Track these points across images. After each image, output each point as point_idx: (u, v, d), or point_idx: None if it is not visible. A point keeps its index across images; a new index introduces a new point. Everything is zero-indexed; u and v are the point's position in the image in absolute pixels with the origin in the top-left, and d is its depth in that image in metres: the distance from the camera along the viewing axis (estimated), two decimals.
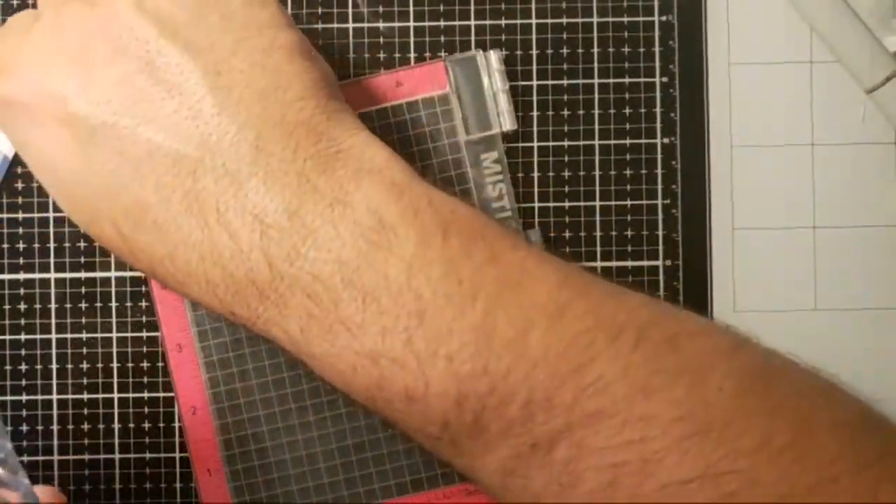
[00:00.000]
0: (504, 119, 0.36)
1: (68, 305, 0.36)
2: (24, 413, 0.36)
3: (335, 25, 0.37)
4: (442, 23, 0.37)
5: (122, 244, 0.29)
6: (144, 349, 0.36)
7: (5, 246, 0.36)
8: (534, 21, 0.37)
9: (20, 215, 0.36)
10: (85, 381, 0.36)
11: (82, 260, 0.36)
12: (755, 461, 0.24)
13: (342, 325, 0.27)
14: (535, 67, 0.37)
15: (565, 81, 0.37)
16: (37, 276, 0.36)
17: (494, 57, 0.36)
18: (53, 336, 0.36)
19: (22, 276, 0.36)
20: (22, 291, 0.36)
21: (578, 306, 0.27)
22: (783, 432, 0.25)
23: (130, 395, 0.36)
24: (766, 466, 0.24)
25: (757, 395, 0.26)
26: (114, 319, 0.36)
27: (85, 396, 0.36)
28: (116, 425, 0.36)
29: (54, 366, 0.36)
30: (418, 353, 0.26)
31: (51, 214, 0.36)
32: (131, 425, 0.36)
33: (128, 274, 0.36)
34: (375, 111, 0.36)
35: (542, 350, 0.26)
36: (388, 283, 0.27)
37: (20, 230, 0.36)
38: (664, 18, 0.37)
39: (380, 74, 0.36)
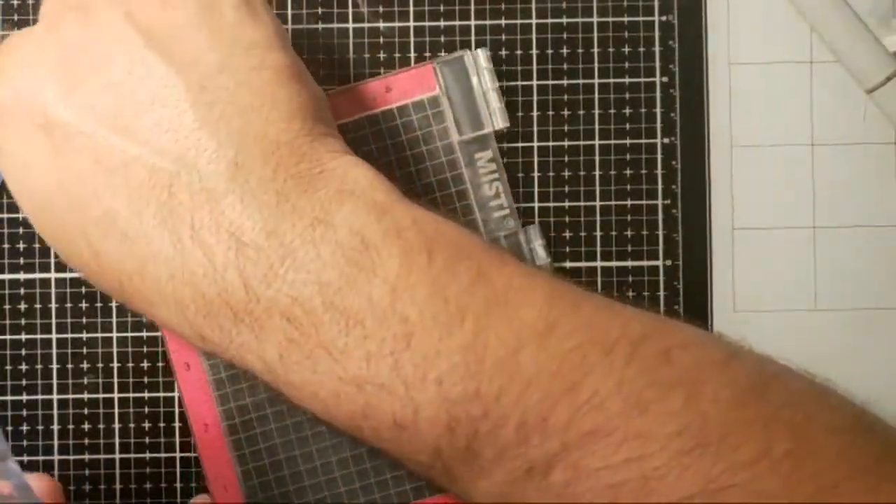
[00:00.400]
0: (496, 117, 0.36)
1: (69, 305, 0.36)
2: (24, 413, 0.36)
3: (335, 25, 0.37)
4: (442, 23, 0.37)
5: (90, 259, 0.28)
6: (144, 349, 0.36)
7: (6, 246, 0.36)
8: (534, 21, 0.37)
9: (20, 215, 0.36)
10: (85, 380, 0.36)
11: None
12: (756, 472, 0.24)
13: (324, 349, 0.26)
14: (535, 67, 0.37)
15: (565, 81, 0.37)
16: (37, 275, 0.36)
17: (482, 55, 0.36)
18: (54, 336, 0.36)
19: (22, 275, 0.36)
20: (22, 291, 0.36)
21: (568, 322, 0.26)
22: (782, 441, 0.25)
23: (131, 394, 0.36)
24: (767, 477, 0.24)
25: (753, 404, 0.25)
26: (114, 319, 0.36)
27: (85, 396, 0.36)
28: (117, 425, 0.36)
29: (54, 365, 0.36)
30: (406, 377, 0.25)
31: None
32: (132, 425, 0.36)
33: None
34: (366, 118, 0.35)
35: (534, 369, 0.25)
36: (371, 305, 0.26)
37: (20, 230, 0.36)
38: (664, 18, 0.37)
39: (369, 81, 0.36)
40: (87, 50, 0.28)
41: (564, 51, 0.37)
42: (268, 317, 0.26)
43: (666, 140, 0.37)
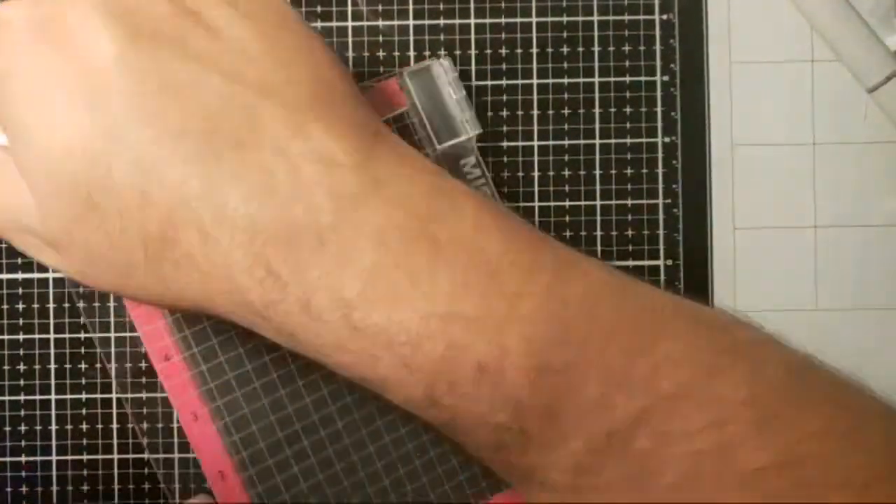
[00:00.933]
0: (468, 126, 0.35)
1: (66, 305, 0.36)
2: (22, 413, 0.36)
3: (334, 24, 0.36)
4: (442, 21, 0.36)
5: (131, 195, 0.25)
6: (142, 349, 0.36)
7: (3, 245, 0.36)
8: (534, 19, 0.37)
9: None
10: (83, 380, 0.36)
11: None
12: (826, 445, 0.23)
13: (410, 281, 0.24)
14: (535, 66, 0.37)
15: (566, 80, 0.37)
16: (35, 275, 0.36)
17: (446, 64, 0.35)
18: (52, 336, 0.36)
19: (20, 275, 0.36)
20: (20, 291, 0.36)
21: (636, 288, 0.25)
22: (843, 419, 0.24)
23: (129, 395, 0.36)
24: (835, 451, 0.23)
25: (811, 382, 0.25)
26: (112, 319, 0.36)
27: (83, 396, 0.36)
28: (115, 425, 0.36)
29: (52, 366, 0.36)
30: (495, 312, 0.24)
31: None
32: (130, 426, 0.36)
33: None
34: None
35: (613, 321, 0.24)
36: (457, 237, 0.24)
37: None
38: (665, 17, 0.37)
39: None
40: None
41: (565, 50, 0.37)
42: (355, 240, 0.24)
43: (667, 139, 0.36)
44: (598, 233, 0.36)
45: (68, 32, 0.25)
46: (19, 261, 0.36)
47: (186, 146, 0.24)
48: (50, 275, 0.36)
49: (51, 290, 0.36)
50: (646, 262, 0.36)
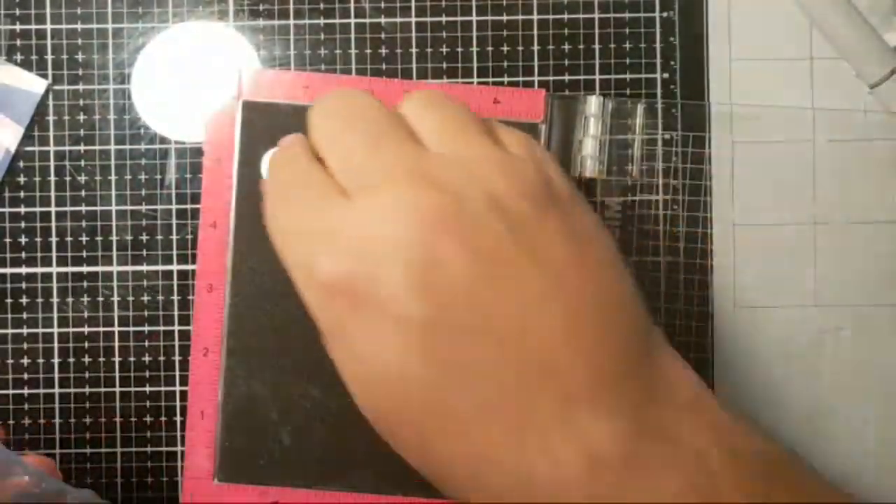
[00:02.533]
0: (584, 165, 0.36)
1: (70, 300, 0.36)
2: (26, 407, 0.36)
3: (337, 21, 0.37)
4: (444, 18, 0.37)
5: (415, 441, 0.26)
6: (146, 343, 0.36)
7: (7, 240, 0.36)
8: (535, 17, 0.37)
9: (22, 209, 0.36)
10: (87, 375, 0.36)
11: (84, 254, 0.36)
12: None
13: None
14: (536, 63, 0.37)
15: (566, 77, 0.37)
16: (39, 270, 0.36)
17: (594, 102, 0.36)
18: (55, 330, 0.36)
19: (24, 270, 0.36)
20: (24, 286, 0.36)
21: None
22: None
23: (132, 389, 0.36)
24: None
25: None
26: (115, 314, 0.36)
27: (87, 390, 0.36)
28: (118, 419, 0.36)
29: (56, 360, 0.36)
30: None
31: (53, 209, 0.36)
32: (133, 419, 0.36)
33: (130, 268, 0.36)
34: None
35: None
36: None
37: (22, 224, 0.36)
38: (665, 15, 0.37)
39: (479, 86, 0.36)
40: (451, 239, 0.25)
41: (566, 47, 0.37)
42: None
43: (667, 136, 0.37)
44: None
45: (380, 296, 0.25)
46: (23, 255, 0.36)
47: (462, 429, 0.25)
48: (53, 269, 0.36)
49: (54, 285, 0.36)
50: (649, 258, 0.36)
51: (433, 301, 0.25)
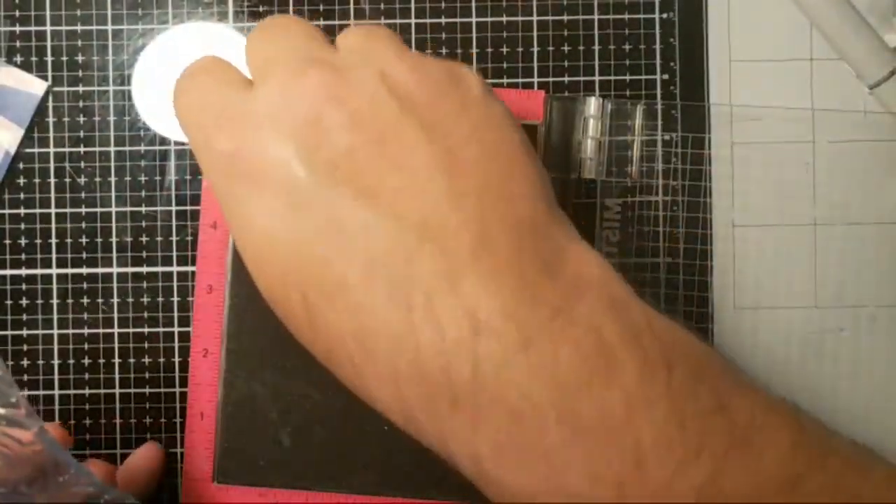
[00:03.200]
0: (585, 165, 0.36)
1: (70, 301, 0.36)
2: None
3: (337, 22, 0.37)
4: (443, 20, 0.37)
5: (302, 315, 0.26)
6: (146, 345, 0.36)
7: (7, 242, 0.36)
8: (535, 18, 0.37)
9: (22, 211, 0.36)
10: (87, 376, 0.36)
11: (84, 256, 0.36)
12: None
13: (543, 457, 0.23)
14: (536, 64, 0.37)
15: (566, 78, 0.37)
16: (39, 271, 0.36)
17: (594, 103, 0.36)
18: (55, 332, 0.36)
19: (24, 271, 0.36)
20: (24, 287, 0.36)
21: (814, 479, 0.23)
22: None
23: (132, 390, 0.36)
24: None
25: None
26: (115, 315, 0.36)
27: (87, 392, 0.36)
28: (118, 421, 0.36)
29: (56, 361, 0.36)
30: None
31: (53, 210, 0.36)
32: (133, 421, 0.36)
33: (130, 270, 0.36)
34: None
35: None
36: (604, 417, 0.23)
37: (22, 226, 0.36)
38: (665, 16, 0.37)
39: None
40: (338, 108, 0.26)
41: (566, 48, 0.37)
42: (490, 407, 0.24)
43: (667, 137, 0.37)
44: (598, 231, 0.36)
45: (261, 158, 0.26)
46: (23, 256, 0.36)
47: (346, 296, 0.25)
48: (53, 271, 0.36)
49: (54, 286, 0.36)
50: (648, 260, 0.36)
51: (315, 166, 0.26)
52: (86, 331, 0.36)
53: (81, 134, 0.36)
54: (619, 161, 0.36)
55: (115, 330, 0.36)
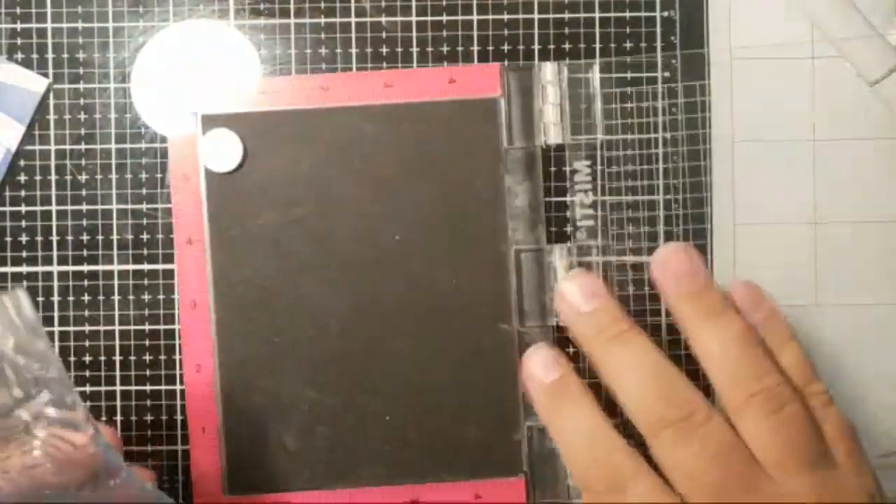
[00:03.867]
0: (548, 133, 0.36)
1: (71, 298, 0.36)
2: None
3: (337, 20, 0.37)
4: (444, 18, 0.37)
5: None
6: (147, 342, 0.36)
7: (8, 239, 0.36)
8: (536, 16, 0.37)
9: (23, 208, 0.36)
10: (87, 373, 0.36)
11: (85, 253, 0.36)
12: None
13: None
14: (536, 63, 0.37)
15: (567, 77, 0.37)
16: (39, 268, 0.36)
17: (550, 69, 0.36)
18: (56, 329, 0.36)
19: (25, 269, 0.36)
20: (25, 284, 0.36)
21: None
22: None
23: (133, 387, 0.36)
24: None
25: None
26: (116, 312, 0.36)
27: (88, 389, 0.36)
28: (119, 418, 0.36)
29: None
30: None
31: (53, 208, 0.36)
32: (133, 418, 0.36)
33: (130, 267, 0.36)
34: (428, 104, 0.36)
35: None
36: None
37: (23, 223, 0.36)
38: (666, 14, 0.37)
39: (433, 68, 0.36)
40: None
41: (567, 46, 0.37)
42: None
43: (667, 136, 0.37)
44: (599, 230, 0.36)
45: None
46: (24, 254, 0.36)
47: None
48: (54, 268, 0.36)
49: (55, 284, 0.36)
50: (646, 259, 0.36)
51: None
52: (86, 328, 0.36)
53: (82, 131, 0.36)
54: (585, 123, 0.36)
55: (116, 327, 0.36)
